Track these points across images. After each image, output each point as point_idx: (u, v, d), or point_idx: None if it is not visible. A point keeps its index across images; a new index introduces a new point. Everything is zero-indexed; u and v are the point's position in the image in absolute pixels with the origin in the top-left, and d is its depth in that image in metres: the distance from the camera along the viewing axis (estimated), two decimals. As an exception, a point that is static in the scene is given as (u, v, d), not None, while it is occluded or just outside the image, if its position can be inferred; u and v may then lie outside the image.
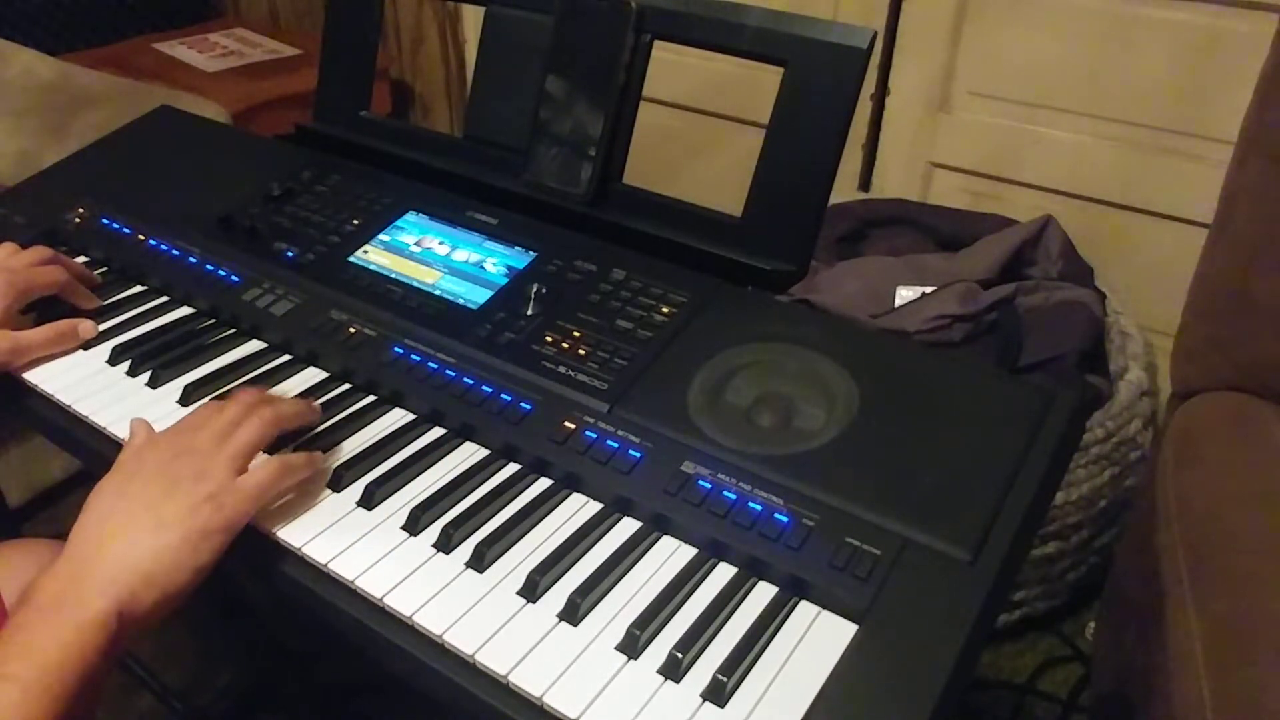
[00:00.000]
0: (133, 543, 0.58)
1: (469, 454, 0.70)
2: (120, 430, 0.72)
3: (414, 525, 0.63)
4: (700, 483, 0.64)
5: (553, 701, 0.53)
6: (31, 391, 0.78)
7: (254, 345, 0.82)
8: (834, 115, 0.76)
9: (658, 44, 0.84)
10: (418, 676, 0.57)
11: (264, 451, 0.66)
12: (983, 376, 0.72)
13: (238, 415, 0.65)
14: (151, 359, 0.79)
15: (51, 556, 0.80)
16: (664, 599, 0.58)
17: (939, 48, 1.53)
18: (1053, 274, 1.40)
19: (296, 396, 0.72)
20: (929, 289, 1.35)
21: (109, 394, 0.76)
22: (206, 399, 0.74)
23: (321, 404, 0.75)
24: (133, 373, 0.78)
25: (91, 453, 0.74)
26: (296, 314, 0.82)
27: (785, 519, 0.61)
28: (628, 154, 0.87)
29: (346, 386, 0.77)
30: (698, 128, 1.83)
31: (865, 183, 1.72)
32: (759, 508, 0.62)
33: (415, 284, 0.83)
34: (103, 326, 0.83)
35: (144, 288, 0.90)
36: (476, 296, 0.81)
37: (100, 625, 0.54)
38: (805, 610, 0.58)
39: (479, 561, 0.61)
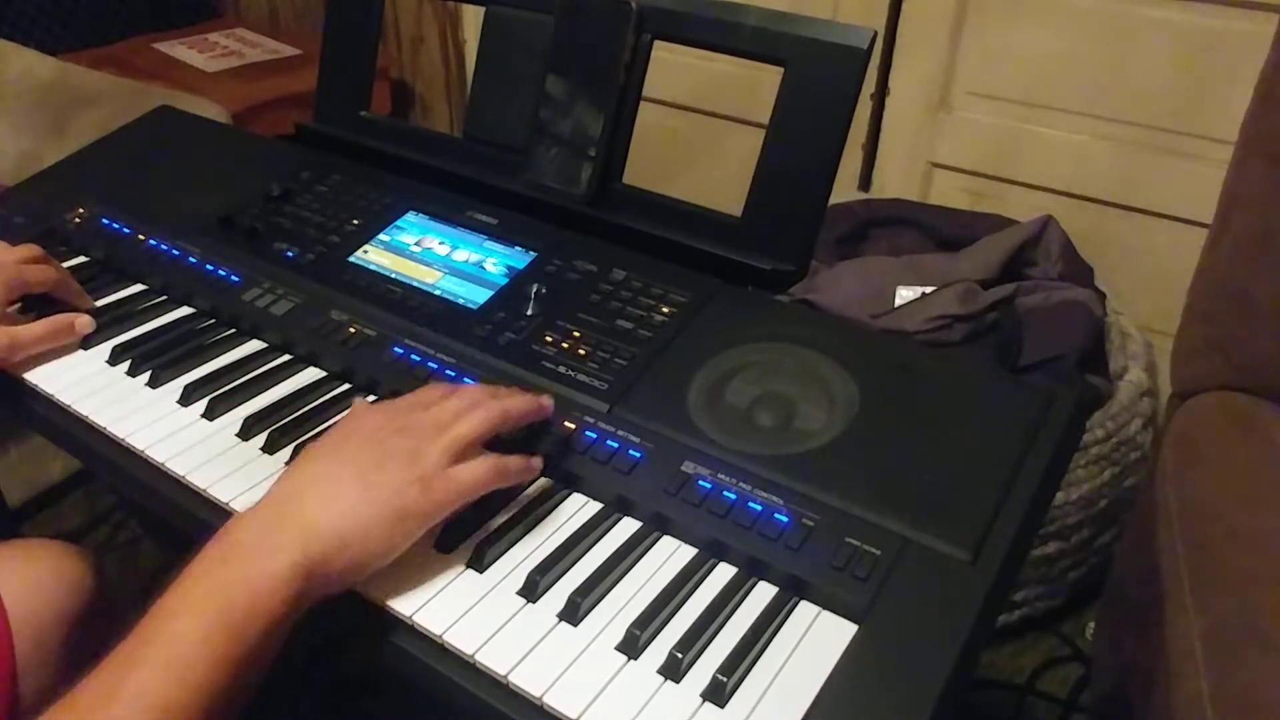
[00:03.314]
0: (335, 504, 0.57)
1: (469, 454, 0.70)
2: (120, 430, 0.72)
3: (414, 525, 0.63)
4: (700, 483, 0.64)
5: (553, 701, 0.53)
6: (31, 391, 0.78)
7: (254, 345, 0.82)
8: (834, 115, 0.76)
9: (658, 44, 0.84)
10: (418, 676, 0.57)
11: None
12: (983, 376, 0.72)
13: (461, 406, 0.63)
14: (151, 359, 0.79)
15: (52, 557, 0.81)
16: (664, 599, 0.58)
17: (939, 48, 1.53)
18: (1053, 274, 1.40)
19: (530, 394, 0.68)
20: (929, 289, 1.35)
21: (109, 394, 0.76)
22: (206, 399, 0.74)
23: (321, 404, 0.75)
24: (133, 373, 0.78)
25: (91, 453, 0.74)
26: (296, 314, 0.82)
27: (785, 519, 0.61)
28: (628, 154, 0.87)
29: (346, 387, 0.77)
30: (698, 128, 1.83)
31: (865, 183, 1.72)
32: (759, 508, 0.62)
33: (415, 284, 0.83)
34: (103, 327, 0.83)
35: (144, 288, 0.90)
36: (476, 296, 0.81)
37: (289, 577, 0.54)
38: (805, 610, 0.58)
39: (479, 561, 0.61)
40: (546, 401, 0.67)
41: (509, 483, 0.63)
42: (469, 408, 0.63)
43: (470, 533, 0.63)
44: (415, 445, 0.60)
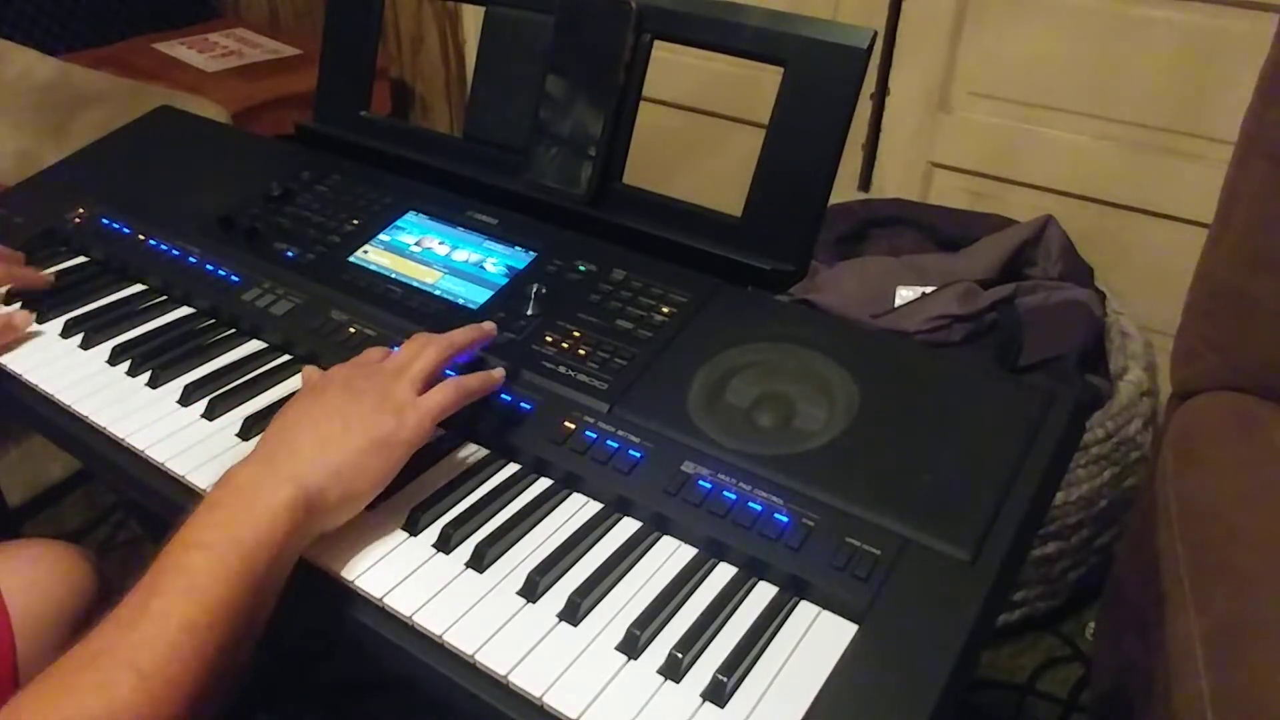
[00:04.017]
0: (324, 443, 0.61)
1: (469, 454, 0.70)
2: (120, 430, 0.72)
3: (414, 525, 0.63)
4: (700, 483, 0.64)
5: (553, 701, 0.53)
6: (31, 391, 0.78)
7: (254, 345, 0.82)
8: (834, 115, 0.76)
9: (658, 44, 0.84)
10: (418, 676, 0.57)
11: None
12: (983, 376, 0.72)
13: (413, 350, 0.68)
14: (151, 359, 0.79)
15: (52, 557, 0.81)
16: (664, 599, 0.58)
17: (939, 48, 1.53)
18: (1053, 274, 1.40)
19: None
20: (929, 289, 1.35)
21: (109, 394, 0.76)
22: (206, 399, 0.75)
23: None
24: (133, 373, 0.78)
25: (91, 453, 0.74)
26: (296, 314, 0.82)
27: (785, 519, 0.61)
28: (628, 154, 0.87)
29: (346, 386, 0.77)
30: (698, 128, 1.83)
31: (865, 183, 1.72)
32: (759, 508, 0.62)
33: (415, 284, 0.83)
34: (103, 326, 0.83)
35: (144, 288, 0.90)
36: (476, 296, 0.81)
37: (289, 509, 0.57)
38: (805, 610, 0.58)
39: (479, 561, 0.61)
40: (488, 326, 0.74)
41: (473, 398, 0.68)
42: (420, 348, 0.68)
43: (463, 526, 0.63)
44: (383, 385, 0.65)
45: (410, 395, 0.65)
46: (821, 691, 0.53)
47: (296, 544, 0.58)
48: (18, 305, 0.86)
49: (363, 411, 0.62)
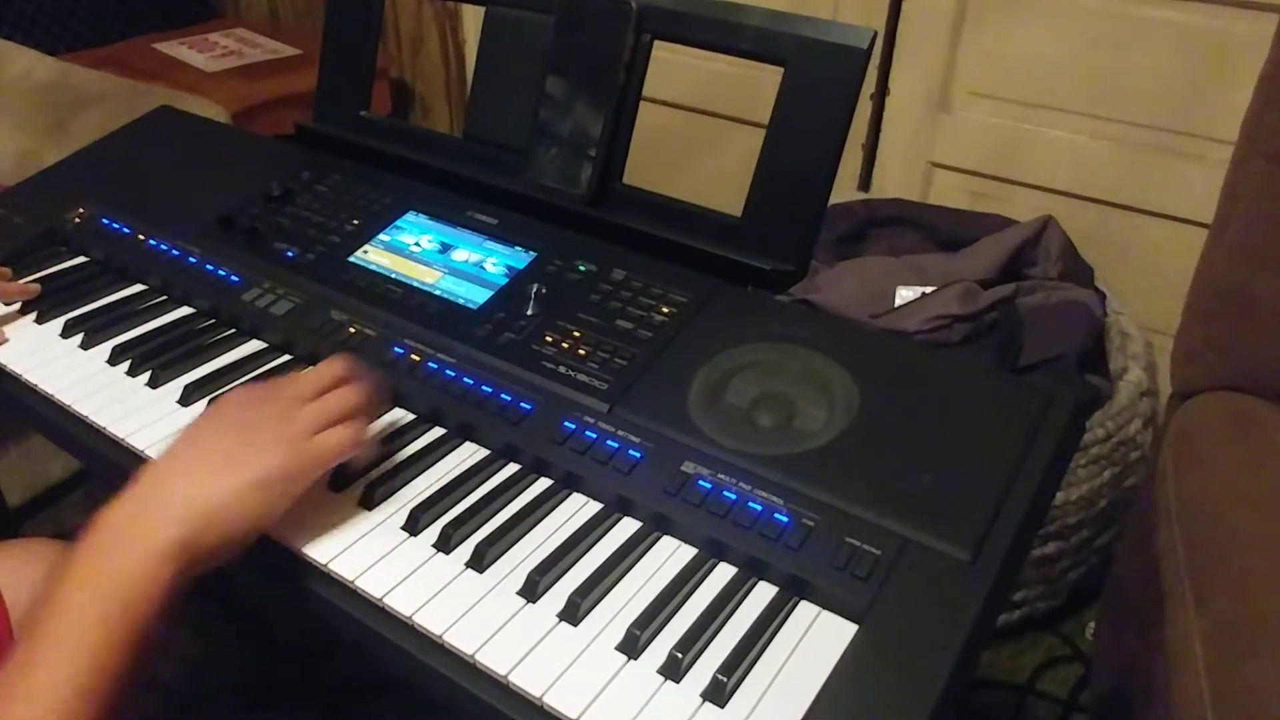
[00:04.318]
0: (199, 482, 0.58)
1: (469, 454, 0.70)
2: (120, 430, 0.72)
3: (414, 525, 0.63)
4: (700, 483, 0.64)
5: (553, 701, 0.53)
6: (31, 391, 0.78)
7: (254, 345, 0.82)
8: (834, 115, 0.76)
9: (658, 44, 0.84)
10: (418, 676, 0.57)
11: None
12: (983, 376, 0.72)
13: (328, 375, 0.66)
14: (151, 359, 0.79)
15: (52, 556, 0.81)
16: (664, 599, 0.58)
17: (939, 48, 1.53)
18: (1053, 274, 1.40)
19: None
20: (929, 289, 1.35)
21: (109, 394, 0.76)
22: (206, 399, 0.75)
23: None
24: (133, 373, 0.78)
25: (91, 453, 0.74)
26: (296, 314, 0.82)
27: (785, 519, 0.61)
28: (628, 154, 0.87)
29: (346, 386, 0.77)
30: (698, 128, 1.83)
31: (865, 183, 1.72)
32: (759, 508, 0.62)
33: (415, 284, 0.83)
34: (103, 326, 0.83)
35: (144, 288, 0.90)
36: (476, 296, 0.81)
37: (164, 558, 0.55)
38: (805, 610, 0.58)
39: (479, 561, 0.61)
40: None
41: (367, 451, 0.66)
42: (336, 377, 0.65)
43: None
44: (282, 412, 0.62)
45: (308, 429, 0.61)
46: (821, 691, 0.53)
47: (175, 591, 0.56)
48: (16, 307, 0.86)
49: (251, 446, 0.59)
